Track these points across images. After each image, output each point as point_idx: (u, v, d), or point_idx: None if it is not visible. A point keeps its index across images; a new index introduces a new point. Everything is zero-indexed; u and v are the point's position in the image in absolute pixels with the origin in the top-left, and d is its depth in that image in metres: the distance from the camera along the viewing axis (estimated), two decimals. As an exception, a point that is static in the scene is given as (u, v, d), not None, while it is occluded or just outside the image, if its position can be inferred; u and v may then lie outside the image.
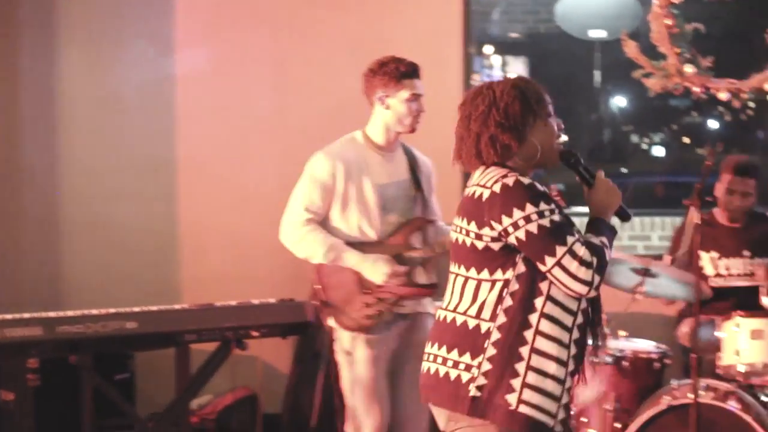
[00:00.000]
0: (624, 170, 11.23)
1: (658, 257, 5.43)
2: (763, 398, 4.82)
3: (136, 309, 4.79)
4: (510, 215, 3.07)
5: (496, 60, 9.63)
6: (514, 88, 3.19)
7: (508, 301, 3.10)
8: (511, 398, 3.07)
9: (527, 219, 3.05)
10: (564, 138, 3.32)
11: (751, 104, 5.95)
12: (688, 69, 5.90)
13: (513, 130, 3.16)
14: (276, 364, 5.86)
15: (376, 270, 4.33)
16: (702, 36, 5.97)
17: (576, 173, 3.31)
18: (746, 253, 5.41)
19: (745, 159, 5.61)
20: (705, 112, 12.53)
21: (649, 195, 10.27)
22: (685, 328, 5.39)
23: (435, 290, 4.39)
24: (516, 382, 3.07)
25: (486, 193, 3.12)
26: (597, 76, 9.17)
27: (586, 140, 10.61)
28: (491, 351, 3.09)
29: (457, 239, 3.22)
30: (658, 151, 12.49)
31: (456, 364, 3.13)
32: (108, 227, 6.12)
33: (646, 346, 5.14)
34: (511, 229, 3.07)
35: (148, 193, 6.09)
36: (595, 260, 3.06)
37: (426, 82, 4.46)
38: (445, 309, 3.24)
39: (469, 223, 3.16)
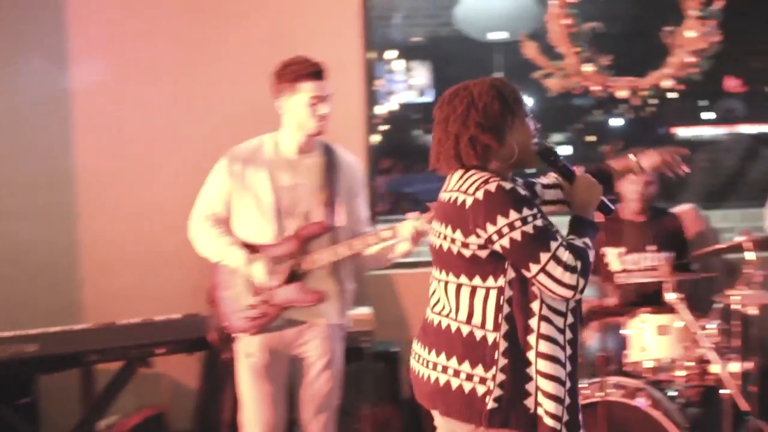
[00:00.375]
0: (530, 171, 11.31)
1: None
2: (671, 393, 4.87)
3: (37, 331, 4.67)
4: (494, 222, 3.06)
5: (399, 65, 9.62)
6: (492, 88, 3.18)
7: (506, 309, 3.11)
8: (529, 402, 3.10)
9: (511, 226, 3.04)
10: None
11: (653, 101, 6.02)
12: (588, 68, 5.96)
13: (493, 130, 3.16)
14: (184, 381, 5.76)
15: (255, 272, 4.27)
16: (600, 35, 6.03)
17: (555, 170, 3.32)
18: (651, 247, 5.46)
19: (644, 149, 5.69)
20: (608, 110, 12.70)
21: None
22: (590, 330, 5.41)
23: (321, 298, 4.32)
24: (530, 387, 3.10)
25: (469, 200, 3.10)
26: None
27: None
28: (503, 361, 3.10)
29: (441, 246, 3.20)
30: (564, 151, 12.63)
31: (470, 377, 3.13)
32: (5, 246, 5.96)
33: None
34: (495, 237, 3.06)
35: (46, 210, 5.94)
36: (579, 264, 3.06)
37: (331, 88, 4.39)
38: (440, 314, 3.24)
39: (454, 231, 3.14)
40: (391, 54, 9.34)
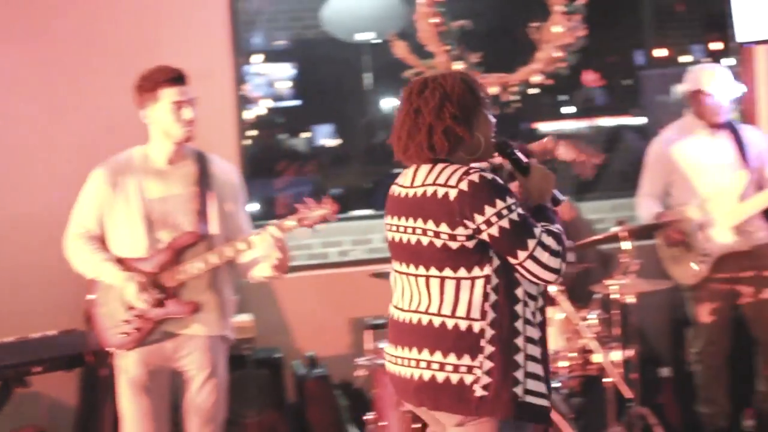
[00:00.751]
0: (396, 171, 11.34)
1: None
2: (554, 384, 4.94)
3: None
4: (482, 212, 3.13)
5: (265, 68, 9.58)
6: (463, 81, 3.28)
7: (493, 296, 3.17)
8: (518, 390, 3.16)
9: (499, 215, 3.13)
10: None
11: (515, 97, 6.10)
12: (458, 66, 5.98)
13: (466, 122, 3.24)
14: (62, 399, 5.60)
15: (128, 288, 4.20)
16: (468, 33, 6.07)
17: (511, 163, 3.40)
18: None
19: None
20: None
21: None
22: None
23: (196, 309, 4.27)
24: (519, 374, 3.16)
25: (453, 193, 3.16)
26: (368, 78, 9.23)
27: (358, 143, 10.64)
28: (489, 349, 3.16)
29: (419, 241, 3.24)
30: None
31: (456, 368, 3.17)
32: None
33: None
34: (484, 227, 3.13)
35: None
36: (560, 248, 3.17)
37: (199, 94, 4.34)
38: (416, 311, 3.28)
39: (438, 225, 3.18)
40: (257, 58, 9.30)
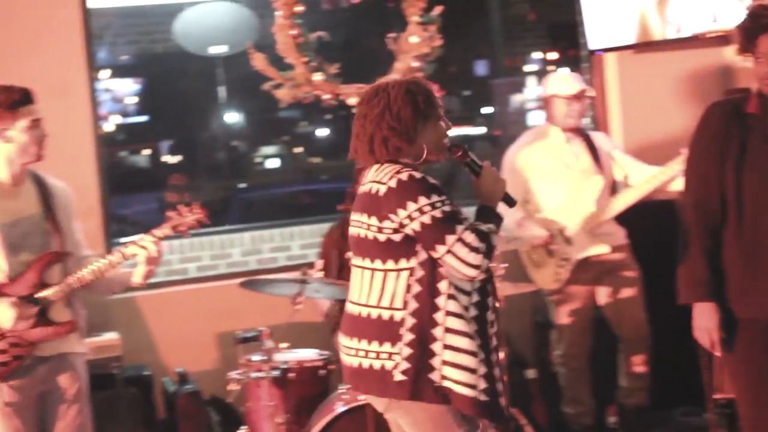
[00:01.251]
0: (243, 185, 11.33)
1: (310, 265, 5.52)
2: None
3: None
4: (405, 207, 3.37)
5: (114, 83, 9.44)
6: (407, 93, 3.49)
7: (416, 288, 3.42)
8: (434, 376, 3.39)
9: (420, 210, 3.36)
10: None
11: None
12: (317, 77, 6.01)
13: (403, 134, 3.47)
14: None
15: (3, 314, 4.12)
16: (327, 44, 6.11)
17: (465, 164, 3.61)
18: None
19: None
20: (315, 121, 12.90)
21: (283, 206, 10.42)
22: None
23: (73, 328, 4.23)
24: (436, 361, 3.39)
25: (383, 189, 3.42)
26: (222, 91, 9.19)
27: (205, 156, 10.59)
28: (408, 336, 3.40)
29: (359, 234, 3.52)
30: (272, 163, 12.71)
31: (378, 355, 3.43)
32: None
33: (309, 354, 5.19)
34: (407, 221, 3.38)
35: None
36: (483, 246, 3.36)
37: (55, 112, 4.35)
38: (357, 303, 3.54)
39: (369, 218, 3.46)
40: (105, 73, 9.17)
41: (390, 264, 3.45)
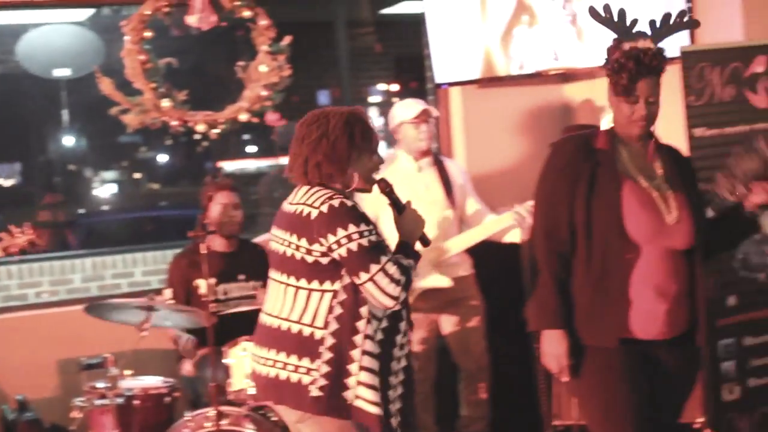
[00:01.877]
0: (82, 210, 11.15)
1: (157, 291, 5.50)
2: (274, 418, 5.03)
3: None
4: (335, 233, 3.56)
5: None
6: (346, 124, 3.69)
7: (338, 310, 3.62)
8: (348, 394, 3.61)
9: (348, 238, 3.55)
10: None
11: (198, 137, 6.18)
12: (165, 103, 6.02)
13: (336, 162, 3.68)
14: None
15: None
16: (175, 71, 6.12)
17: (389, 200, 3.84)
18: (242, 276, 5.63)
19: (226, 178, 5.89)
20: (155, 146, 12.78)
21: (124, 232, 10.28)
22: (188, 366, 5.46)
23: None
24: (351, 381, 3.61)
25: (314, 213, 3.59)
26: (65, 114, 9.04)
27: (43, 180, 10.37)
28: (327, 355, 3.60)
29: (284, 252, 3.67)
30: (109, 189, 12.54)
31: (296, 368, 3.62)
32: None
33: (154, 381, 5.19)
34: (335, 246, 3.57)
35: None
36: (403, 278, 3.60)
37: None
38: (275, 316, 3.70)
39: (299, 239, 3.61)
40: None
41: (315, 284, 3.63)
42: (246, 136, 13.43)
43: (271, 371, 3.68)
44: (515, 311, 6.53)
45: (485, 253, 5.91)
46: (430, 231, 5.63)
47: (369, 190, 3.85)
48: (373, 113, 13.45)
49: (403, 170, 5.76)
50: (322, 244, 3.58)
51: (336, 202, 3.59)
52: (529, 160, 6.74)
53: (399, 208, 3.85)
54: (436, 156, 5.90)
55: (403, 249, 3.74)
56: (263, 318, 3.80)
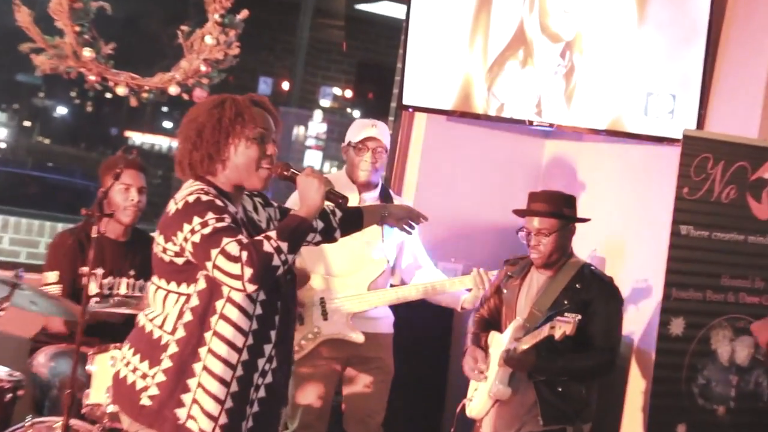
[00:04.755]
0: None
1: (28, 267, 5.42)
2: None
3: None
4: (182, 230, 3.64)
5: None
6: (215, 108, 3.78)
7: (187, 316, 3.70)
8: (181, 413, 3.66)
9: (192, 231, 3.61)
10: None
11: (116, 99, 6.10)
12: (87, 53, 5.90)
13: (203, 149, 3.76)
14: None
15: None
16: (107, 18, 6.00)
17: (288, 178, 3.88)
18: (132, 272, 5.57)
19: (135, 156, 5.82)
20: (57, 95, 12.57)
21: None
22: (42, 358, 5.37)
23: None
24: (187, 398, 3.66)
25: (173, 208, 3.70)
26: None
27: None
28: (167, 363, 3.68)
29: (153, 251, 3.79)
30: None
31: (135, 370, 3.73)
32: None
33: (-2, 372, 5.08)
34: (184, 243, 3.65)
35: None
36: (245, 254, 3.54)
37: None
38: (144, 314, 3.84)
39: (159, 236, 3.74)
40: None
41: (172, 285, 3.75)
42: (164, 109, 13.32)
43: (122, 370, 3.79)
44: (434, 381, 6.69)
45: (412, 313, 5.93)
46: (358, 274, 5.65)
47: (257, 184, 3.88)
48: (317, 118, 13.39)
49: None
50: (174, 243, 3.69)
51: (192, 197, 3.69)
52: (487, 214, 6.77)
53: (296, 174, 3.89)
54: (385, 191, 5.86)
55: (287, 224, 3.70)
56: (140, 316, 3.91)
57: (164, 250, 3.74)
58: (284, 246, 3.62)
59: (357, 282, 5.68)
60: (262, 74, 12.27)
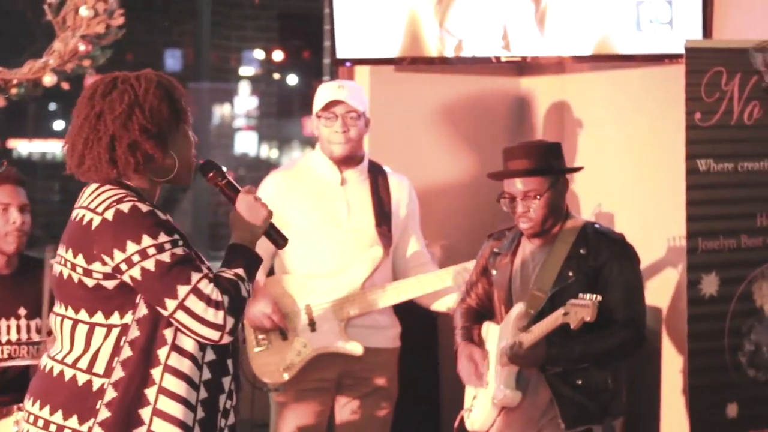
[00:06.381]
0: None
1: None
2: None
3: None
4: (123, 249, 3.55)
5: None
6: (159, 87, 3.69)
7: (126, 352, 3.60)
8: None
9: (143, 254, 3.54)
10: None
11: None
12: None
13: (158, 137, 3.67)
14: None
15: None
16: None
17: (219, 190, 3.86)
18: (23, 311, 5.54)
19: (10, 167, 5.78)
20: None
21: None
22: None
23: None
24: None
25: (96, 220, 3.59)
26: None
27: None
28: (104, 414, 3.57)
29: (61, 273, 3.69)
30: None
31: (60, 430, 3.59)
32: None
33: None
34: (124, 266, 3.55)
35: None
36: (226, 299, 3.55)
37: None
38: (53, 358, 3.70)
39: (75, 256, 3.63)
40: None
41: (99, 317, 3.62)
42: (53, 107, 13.31)
43: (31, 430, 3.67)
44: (425, 394, 6.68)
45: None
46: (349, 275, 5.64)
47: (187, 180, 3.91)
48: (243, 91, 13.26)
49: (319, 180, 5.76)
50: (104, 263, 3.59)
51: (125, 207, 3.60)
52: (459, 182, 6.76)
53: (232, 197, 3.85)
54: (375, 166, 5.88)
55: (231, 254, 3.74)
56: (42, 362, 3.79)
57: (86, 273, 3.62)
58: (251, 289, 3.69)
59: (348, 281, 5.69)
60: (167, 46, 12.23)
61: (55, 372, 3.68)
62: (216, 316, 3.54)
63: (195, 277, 3.55)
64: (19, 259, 5.63)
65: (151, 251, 3.54)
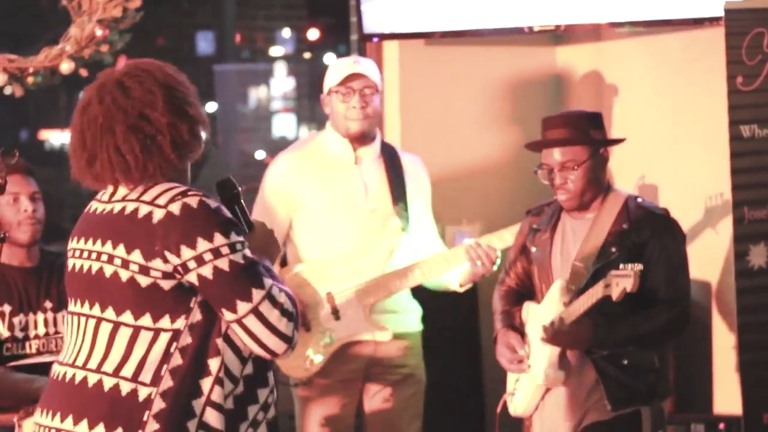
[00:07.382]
0: None
1: None
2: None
3: None
4: (193, 246, 3.41)
5: None
6: (173, 79, 3.54)
7: (177, 359, 3.45)
8: None
9: (216, 252, 3.41)
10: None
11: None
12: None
13: (180, 138, 3.49)
14: None
15: None
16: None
17: (234, 211, 3.62)
18: (48, 304, 5.54)
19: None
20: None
21: None
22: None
23: None
24: None
25: (159, 214, 3.44)
26: None
27: None
28: (152, 425, 3.42)
29: (98, 271, 3.51)
30: None
31: None
32: None
33: None
34: (192, 264, 3.42)
35: None
36: (294, 311, 3.48)
37: None
38: (75, 366, 3.52)
39: (129, 252, 3.45)
40: None
41: (146, 320, 3.47)
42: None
43: None
44: (467, 381, 6.67)
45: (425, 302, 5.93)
46: (371, 257, 5.63)
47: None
48: (279, 72, 13.32)
49: (333, 159, 5.72)
50: (167, 261, 3.44)
51: (193, 201, 3.46)
52: (496, 156, 6.75)
53: (246, 223, 3.71)
54: (387, 145, 5.88)
55: (270, 271, 3.62)
56: (57, 370, 3.63)
57: (142, 270, 3.46)
58: None
59: (370, 263, 5.68)
60: (195, 29, 12.25)
61: (90, 382, 3.51)
62: (288, 327, 3.46)
63: (267, 282, 3.47)
64: (39, 252, 5.64)
65: (225, 250, 3.43)
